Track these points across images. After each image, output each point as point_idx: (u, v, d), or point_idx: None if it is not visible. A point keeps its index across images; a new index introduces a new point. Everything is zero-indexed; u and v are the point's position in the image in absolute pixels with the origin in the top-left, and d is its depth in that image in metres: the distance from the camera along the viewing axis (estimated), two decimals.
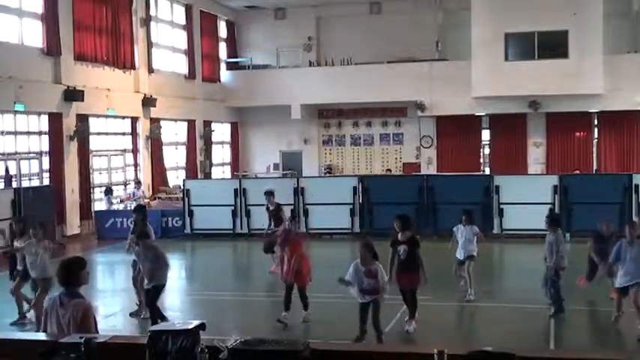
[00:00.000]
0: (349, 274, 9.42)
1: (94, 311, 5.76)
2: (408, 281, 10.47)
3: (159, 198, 24.17)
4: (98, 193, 23.19)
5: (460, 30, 28.07)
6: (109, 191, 22.34)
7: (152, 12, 25.87)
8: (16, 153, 19.99)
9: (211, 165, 29.43)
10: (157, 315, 10.59)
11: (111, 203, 22.13)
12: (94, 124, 22.73)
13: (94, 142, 22.78)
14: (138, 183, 23.27)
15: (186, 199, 20.79)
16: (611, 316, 10.50)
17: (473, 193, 18.93)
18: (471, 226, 12.61)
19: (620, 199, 18.45)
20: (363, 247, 9.40)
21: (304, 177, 25.29)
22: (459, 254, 12.51)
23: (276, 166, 31.34)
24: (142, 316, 11.52)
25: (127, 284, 13.45)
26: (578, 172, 25.25)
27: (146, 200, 22.61)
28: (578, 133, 28.72)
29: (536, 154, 28.83)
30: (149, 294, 10.76)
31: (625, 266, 9.98)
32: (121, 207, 22.32)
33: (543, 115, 28.22)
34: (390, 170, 29.25)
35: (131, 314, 11.78)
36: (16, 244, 11.65)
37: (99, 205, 22.80)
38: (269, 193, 15.68)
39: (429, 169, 28.92)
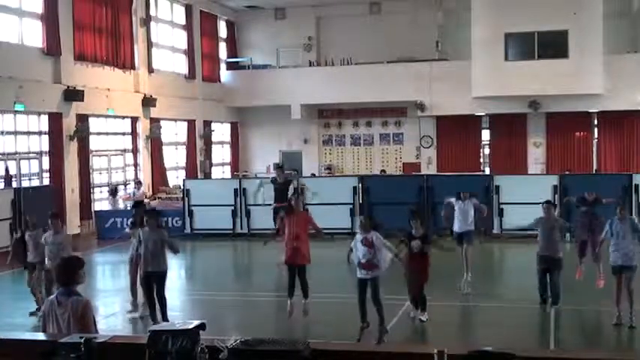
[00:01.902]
0: (352, 245, 9.61)
1: (92, 309, 5.78)
2: (417, 276, 10.56)
3: (159, 198, 24.17)
4: (98, 193, 23.21)
5: (460, 30, 28.07)
6: (114, 191, 22.38)
7: (152, 12, 25.87)
8: (16, 153, 20.00)
9: (211, 165, 29.43)
10: (153, 307, 10.52)
11: (119, 202, 22.11)
12: (94, 124, 22.74)
13: (94, 142, 22.79)
14: (138, 183, 23.23)
15: (186, 199, 20.80)
16: (608, 313, 10.53)
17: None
18: (470, 200, 12.84)
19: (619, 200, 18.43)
20: (365, 216, 9.84)
21: (304, 177, 25.29)
22: (457, 227, 12.78)
23: (276, 166, 31.33)
24: (138, 315, 11.54)
25: (126, 284, 13.45)
26: (568, 172, 25.09)
27: (146, 200, 22.59)
28: (578, 133, 28.72)
29: (536, 154, 28.82)
30: (149, 281, 10.50)
31: (616, 243, 10.37)
32: (121, 207, 22.33)
33: (543, 115, 28.22)
34: (384, 171, 29.22)
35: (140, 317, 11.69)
36: (29, 234, 11.74)
37: (99, 205, 22.81)
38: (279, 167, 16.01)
39: (429, 169, 28.92)
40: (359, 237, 9.54)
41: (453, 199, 13.22)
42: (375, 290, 9.51)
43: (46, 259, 11.12)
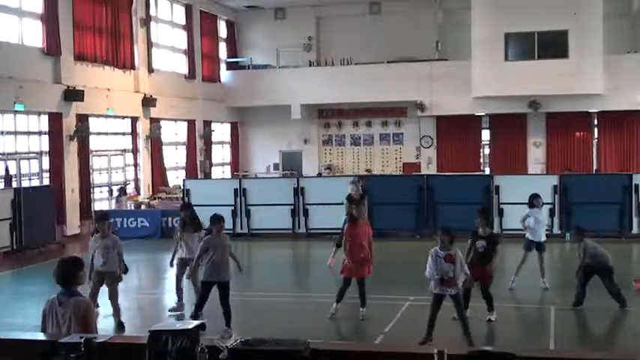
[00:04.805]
0: (428, 265, 9.36)
1: (94, 310, 5.79)
2: (480, 275, 10.56)
3: (159, 198, 24.17)
4: (98, 193, 23.21)
5: (460, 30, 28.08)
6: (122, 191, 22.34)
7: (152, 12, 25.88)
8: (16, 153, 20.00)
9: (211, 165, 29.44)
10: (201, 308, 10.57)
11: (123, 201, 22.07)
12: (94, 124, 22.74)
13: (94, 142, 22.79)
14: (121, 190, 22.88)
15: (186, 199, 20.77)
16: (608, 313, 10.52)
17: (473, 193, 18.89)
18: (541, 209, 12.99)
19: (619, 199, 18.44)
20: (443, 232, 9.44)
21: (304, 177, 25.31)
22: (537, 236, 12.78)
23: (276, 166, 31.35)
24: (179, 312, 11.67)
25: (127, 284, 13.45)
26: (568, 171, 25.08)
27: (137, 200, 22.62)
28: (578, 133, 28.73)
29: (536, 154, 28.83)
30: (210, 287, 10.57)
31: None
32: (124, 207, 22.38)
33: (543, 115, 28.23)
34: (369, 170, 29.25)
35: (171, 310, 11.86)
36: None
37: (99, 205, 22.81)
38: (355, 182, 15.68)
39: (429, 169, 28.92)
40: (441, 254, 9.29)
41: (527, 211, 13.03)
42: (460, 308, 9.43)
43: (95, 262, 10.95)
